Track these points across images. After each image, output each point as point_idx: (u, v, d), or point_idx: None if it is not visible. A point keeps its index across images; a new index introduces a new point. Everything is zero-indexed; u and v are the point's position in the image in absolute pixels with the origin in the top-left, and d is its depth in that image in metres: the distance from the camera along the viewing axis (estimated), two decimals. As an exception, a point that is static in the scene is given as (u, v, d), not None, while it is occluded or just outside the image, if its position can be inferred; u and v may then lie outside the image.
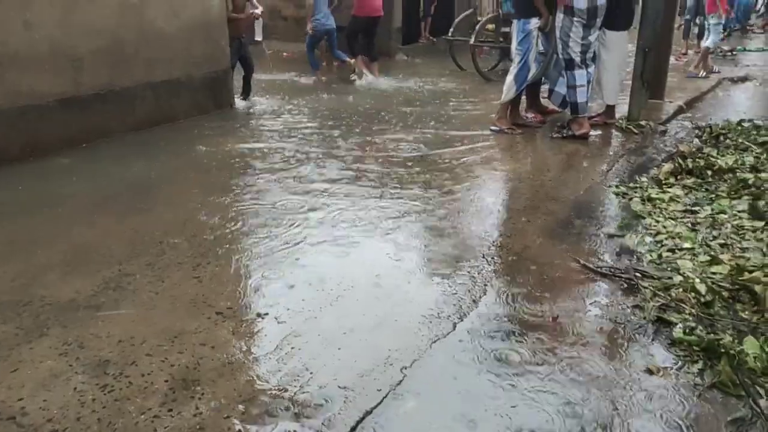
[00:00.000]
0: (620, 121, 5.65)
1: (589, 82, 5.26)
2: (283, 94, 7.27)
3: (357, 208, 3.81)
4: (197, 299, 2.72)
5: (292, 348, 2.39)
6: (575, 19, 5.03)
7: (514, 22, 5.47)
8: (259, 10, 7.25)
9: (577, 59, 5.14)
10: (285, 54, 9.96)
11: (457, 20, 9.14)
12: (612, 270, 3.03)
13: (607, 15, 5.13)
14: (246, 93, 6.90)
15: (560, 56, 5.26)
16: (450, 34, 8.90)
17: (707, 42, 8.01)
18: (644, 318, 2.62)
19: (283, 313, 2.63)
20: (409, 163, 4.69)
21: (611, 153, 4.95)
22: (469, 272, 3.03)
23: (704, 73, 7.89)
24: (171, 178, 4.33)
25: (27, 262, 3.06)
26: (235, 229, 3.50)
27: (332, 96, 7.28)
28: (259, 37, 8.09)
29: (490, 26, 8.36)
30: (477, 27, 8.11)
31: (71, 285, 2.84)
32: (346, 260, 3.15)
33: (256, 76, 7.11)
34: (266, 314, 2.62)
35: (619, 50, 5.49)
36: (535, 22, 5.20)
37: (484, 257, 3.20)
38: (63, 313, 2.62)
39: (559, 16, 5.12)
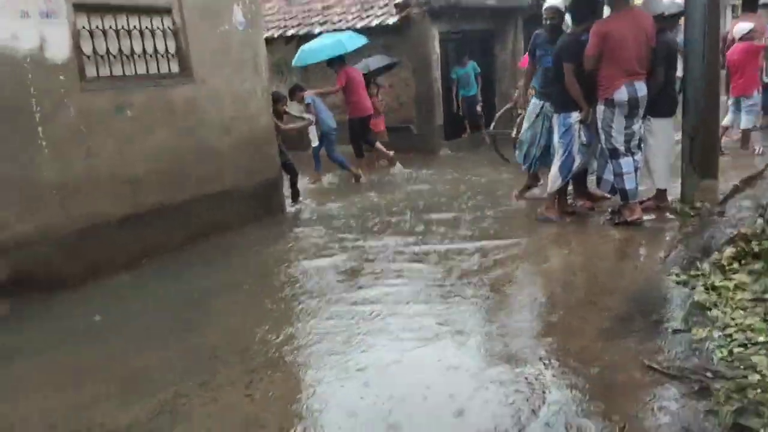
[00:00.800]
0: (674, 203, 5.51)
1: (637, 169, 5.20)
2: (329, 195, 7.48)
3: (411, 307, 3.77)
4: (249, 419, 2.69)
5: (345, 471, 2.31)
6: (616, 110, 5.06)
7: (554, 116, 5.54)
8: (311, 117, 7.62)
9: (621, 148, 5.12)
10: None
11: (498, 114, 9.33)
12: (681, 371, 2.85)
13: (651, 103, 5.15)
14: (294, 197, 7.14)
15: (604, 146, 5.25)
16: (492, 128, 9.07)
17: (744, 123, 7.82)
18: (719, 424, 2.42)
19: (334, 432, 2.57)
20: (463, 258, 4.65)
21: (668, 238, 4.79)
22: (526, 379, 2.90)
23: (759, 150, 7.66)
24: (223, 290, 4.42)
25: (86, 389, 3.12)
26: (287, 342, 3.50)
27: (377, 194, 7.40)
28: (315, 143, 8.36)
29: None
30: (518, 120, 8.24)
31: (129, 411, 2.86)
32: (400, 369, 3.08)
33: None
34: (317, 434, 2.56)
35: (665, 136, 5.46)
36: (576, 116, 5.25)
37: (540, 360, 3.07)
38: (119, 439, 2.64)
39: (600, 108, 5.15)
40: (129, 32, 5.22)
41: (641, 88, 5.04)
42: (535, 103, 6.09)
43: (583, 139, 5.32)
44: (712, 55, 5.79)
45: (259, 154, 6.41)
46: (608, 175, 5.43)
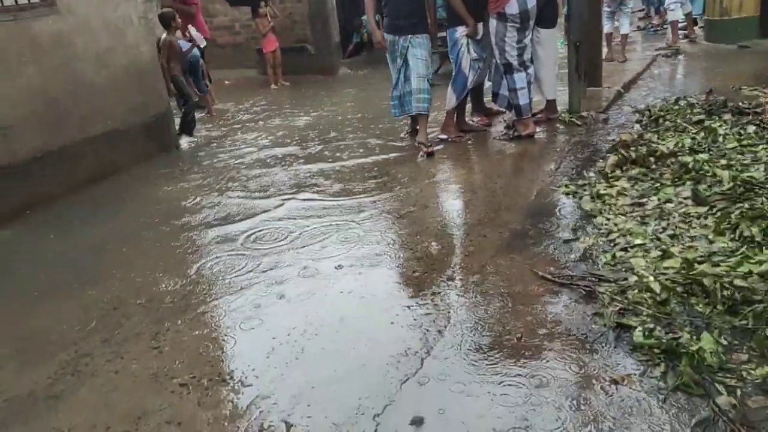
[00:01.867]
0: (563, 114, 5.75)
1: (529, 83, 5.33)
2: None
3: (316, 235, 3.79)
4: (158, 372, 2.67)
5: (261, 412, 2.36)
6: (509, 24, 5.09)
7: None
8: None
9: (515, 62, 5.21)
10: (227, 82, 9.86)
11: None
12: (570, 278, 3.07)
13: (539, 13, 5.20)
14: (188, 129, 6.78)
15: (498, 61, 5.31)
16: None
17: (624, 28, 8.14)
18: (604, 325, 2.67)
19: (248, 374, 2.60)
20: (366, 177, 4.68)
21: (558, 150, 5.03)
22: (432, 300, 3.04)
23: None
24: (118, 239, 4.21)
25: (-22, 357, 2.95)
26: (192, 289, 3.44)
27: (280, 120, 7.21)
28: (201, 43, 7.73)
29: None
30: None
31: (28, 376, 2.75)
32: (309, 304, 3.12)
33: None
34: (231, 378, 2.58)
35: (552, 46, 5.60)
36: (462, 30, 5.25)
37: (446, 282, 3.21)
38: (22, 408, 2.54)
39: (493, 23, 5.17)
40: (-27, -43, 4.59)
41: (530, 0, 5.06)
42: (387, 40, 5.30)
43: (473, 54, 5.34)
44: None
45: (143, 87, 6.00)
46: (504, 91, 5.52)
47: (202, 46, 7.61)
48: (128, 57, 5.84)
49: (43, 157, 4.98)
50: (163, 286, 3.47)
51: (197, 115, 7.12)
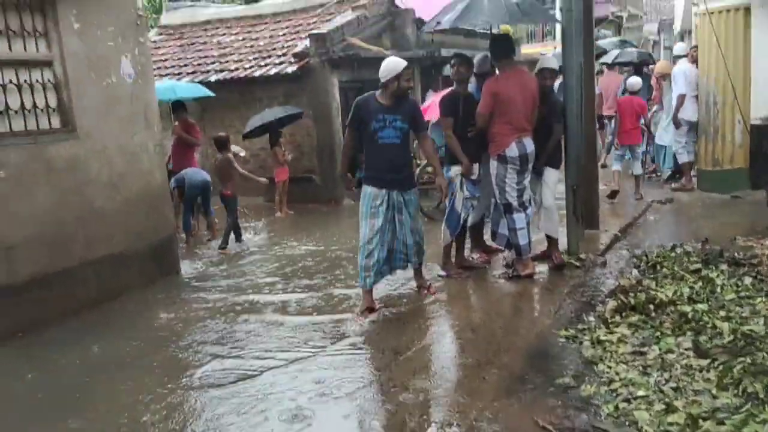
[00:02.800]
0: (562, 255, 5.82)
1: (528, 224, 5.41)
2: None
3: (314, 372, 3.69)
4: None
5: None
6: (509, 166, 5.25)
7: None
8: None
9: (515, 203, 5.32)
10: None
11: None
12: (572, 430, 2.96)
13: (549, 155, 5.57)
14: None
15: (498, 201, 5.46)
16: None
17: (637, 170, 8.55)
18: (609, 487, 2.53)
19: None
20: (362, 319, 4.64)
21: (557, 291, 5.04)
22: (426, 448, 2.91)
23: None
24: (106, 368, 4.10)
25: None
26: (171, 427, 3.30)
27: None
28: None
29: (430, 168, 8.73)
30: (418, 170, 8.48)
31: None
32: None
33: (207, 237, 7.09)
34: None
35: (555, 186, 5.76)
36: (456, 170, 5.41)
37: (442, 429, 3.09)
38: None
39: (493, 164, 5.34)
40: (4, 87, 4.89)
41: (530, 144, 5.27)
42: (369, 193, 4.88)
43: (466, 193, 5.50)
44: (588, 115, 6.29)
45: (153, 212, 6.13)
46: (503, 230, 5.62)
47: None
48: (141, 182, 6.02)
49: (45, 279, 4.99)
50: (146, 423, 3.33)
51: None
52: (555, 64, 5.64)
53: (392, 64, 4.70)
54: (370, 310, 4.77)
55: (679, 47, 10.05)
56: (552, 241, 5.74)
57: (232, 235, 7.41)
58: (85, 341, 4.57)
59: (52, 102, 5.27)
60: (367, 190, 4.83)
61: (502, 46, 5.47)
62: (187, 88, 9.07)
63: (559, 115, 5.60)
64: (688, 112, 8.73)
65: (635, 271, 5.24)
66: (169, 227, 6.37)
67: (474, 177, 5.48)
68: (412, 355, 4.00)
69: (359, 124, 4.78)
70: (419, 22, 11.39)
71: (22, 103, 5.02)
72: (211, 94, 9.38)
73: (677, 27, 15.81)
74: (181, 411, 3.45)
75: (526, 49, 17.98)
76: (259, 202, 10.07)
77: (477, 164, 5.48)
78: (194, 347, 4.36)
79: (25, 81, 5.05)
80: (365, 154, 4.91)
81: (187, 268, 6.51)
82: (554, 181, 5.68)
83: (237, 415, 3.36)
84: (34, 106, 5.11)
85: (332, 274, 5.93)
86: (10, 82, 4.93)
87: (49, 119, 5.25)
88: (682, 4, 14.16)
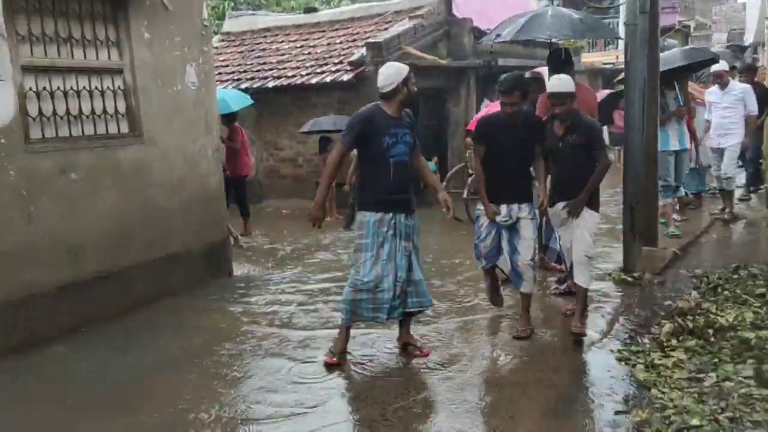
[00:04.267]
0: (615, 272, 5.67)
1: None
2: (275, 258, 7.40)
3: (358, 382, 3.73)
4: None
5: None
6: None
7: None
8: None
9: None
10: (284, 211, 10.28)
11: (449, 173, 9.54)
12: (621, 458, 2.89)
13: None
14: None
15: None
16: (443, 187, 9.21)
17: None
18: None
19: None
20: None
21: (610, 310, 4.92)
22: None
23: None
24: (158, 367, 4.24)
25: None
26: (224, 426, 3.40)
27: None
28: None
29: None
30: (469, 181, 8.44)
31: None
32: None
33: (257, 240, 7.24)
34: None
35: (593, 233, 4.73)
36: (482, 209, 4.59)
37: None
38: None
39: None
40: (78, 93, 5.15)
41: None
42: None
43: (482, 232, 4.54)
44: (650, 129, 6.12)
45: (208, 215, 6.32)
46: (554, 244, 5.53)
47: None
48: (199, 185, 6.22)
49: (107, 277, 5.21)
50: (197, 422, 3.44)
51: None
52: (567, 86, 4.38)
53: (396, 69, 4.00)
54: (340, 359, 4.09)
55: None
56: (580, 293, 4.51)
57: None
58: (141, 339, 4.75)
59: (121, 108, 5.52)
60: (369, 217, 4.01)
61: (559, 61, 5.44)
62: (236, 99, 9.11)
63: (599, 141, 4.53)
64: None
65: (695, 293, 5.05)
66: (222, 230, 6.56)
67: (501, 219, 4.38)
68: (459, 369, 3.98)
69: (363, 140, 4.00)
70: (476, 32, 11.35)
71: (93, 109, 5.28)
72: (251, 102, 9.31)
73: (748, 39, 15.15)
74: (233, 411, 3.55)
75: (587, 58, 17.61)
76: (308, 205, 10.21)
77: (506, 205, 4.37)
78: (246, 349, 4.47)
79: (97, 87, 5.30)
80: (364, 175, 4.18)
81: (238, 270, 6.67)
82: (592, 227, 4.48)
83: (286, 418, 3.43)
84: (104, 111, 5.37)
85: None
86: (84, 88, 5.19)
87: (117, 124, 5.49)
88: (755, 15, 13.56)
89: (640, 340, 4.27)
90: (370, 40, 10.30)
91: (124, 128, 5.56)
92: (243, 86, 10.58)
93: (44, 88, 4.90)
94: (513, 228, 4.39)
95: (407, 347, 4.28)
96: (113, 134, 5.45)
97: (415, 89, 4.11)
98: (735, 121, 7.78)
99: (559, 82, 4.38)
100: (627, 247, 5.76)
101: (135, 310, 5.29)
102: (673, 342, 4.14)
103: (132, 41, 5.50)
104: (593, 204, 4.45)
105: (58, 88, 5.00)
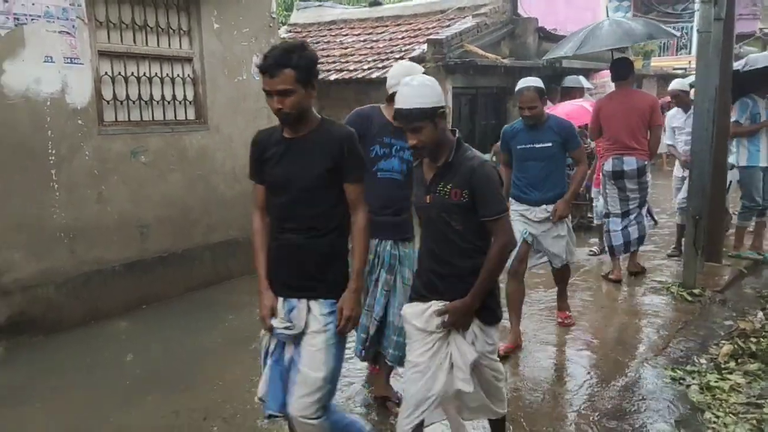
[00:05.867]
0: (674, 287, 5.51)
1: (625, 227, 5.70)
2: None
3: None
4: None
5: None
6: (606, 179, 5.75)
7: None
8: None
9: (615, 211, 5.75)
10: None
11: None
12: (669, 480, 2.82)
13: None
14: None
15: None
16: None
17: None
18: None
19: None
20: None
21: (666, 325, 4.77)
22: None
23: None
24: (216, 347, 4.41)
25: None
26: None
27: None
28: None
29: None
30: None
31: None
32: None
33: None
34: None
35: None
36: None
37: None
38: None
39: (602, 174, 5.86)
40: (150, 79, 5.35)
41: (630, 162, 5.51)
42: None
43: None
44: (720, 141, 5.90)
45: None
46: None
47: None
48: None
49: (168, 258, 5.42)
50: (249, 404, 3.54)
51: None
52: (426, 98, 2.45)
53: (405, 68, 3.30)
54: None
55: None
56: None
57: None
58: (195, 320, 4.91)
59: (189, 95, 5.70)
60: None
61: (616, 70, 5.79)
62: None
63: (490, 197, 3.19)
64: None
65: (761, 314, 4.84)
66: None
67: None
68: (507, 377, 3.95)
69: None
70: (542, 31, 11.14)
71: (163, 95, 5.47)
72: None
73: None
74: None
75: (658, 62, 17.01)
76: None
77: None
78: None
79: (167, 74, 5.50)
80: None
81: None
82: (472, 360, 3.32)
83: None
84: (174, 98, 5.56)
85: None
86: (155, 75, 5.39)
87: (185, 111, 5.69)
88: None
89: (696, 360, 4.13)
90: (431, 36, 10.27)
91: (191, 115, 5.75)
92: (305, 78, 10.69)
93: (119, 73, 5.11)
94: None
95: (385, 401, 3.47)
96: (181, 120, 5.64)
97: None
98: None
99: (407, 93, 2.46)
100: (688, 261, 5.58)
101: (195, 291, 5.48)
102: (732, 364, 3.99)
103: (202, 31, 5.67)
104: (487, 314, 2.56)
105: (132, 73, 5.20)
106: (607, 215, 5.82)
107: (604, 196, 5.89)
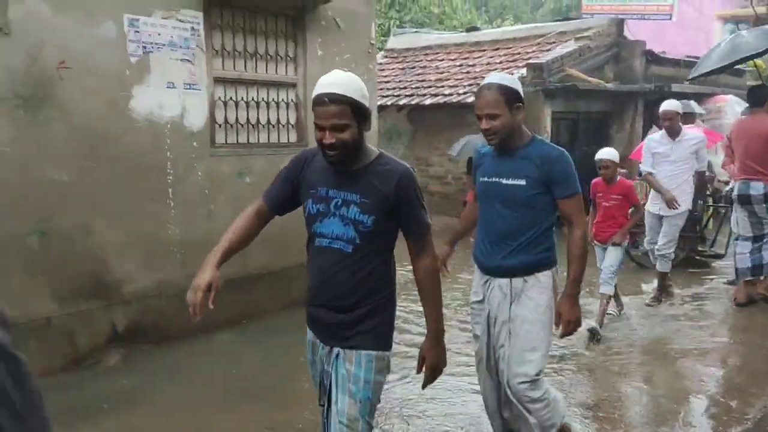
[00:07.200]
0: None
1: (753, 251, 5.66)
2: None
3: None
4: None
5: None
6: (735, 202, 5.83)
7: None
8: None
9: (745, 234, 5.77)
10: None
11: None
12: None
13: None
14: None
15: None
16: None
17: None
18: None
19: None
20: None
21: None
22: None
23: None
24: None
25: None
26: None
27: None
28: None
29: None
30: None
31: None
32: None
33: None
34: None
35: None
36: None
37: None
38: None
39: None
40: (257, 104, 5.62)
41: (756, 188, 5.51)
42: None
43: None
44: None
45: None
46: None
47: None
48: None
49: (265, 276, 5.61)
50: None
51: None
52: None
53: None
54: None
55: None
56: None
57: None
58: (297, 336, 5.00)
59: (292, 119, 5.94)
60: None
61: (753, 96, 5.92)
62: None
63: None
64: None
65: None
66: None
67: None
68: (606, 408, 3.76)
69: (293, 197, 2.53)
70: (650, 54, 10.74)
71: (269, 119, 5.73)
72: None
73: None
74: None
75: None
76: (453, 222, 10.25)
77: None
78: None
79: (273, 99, 5.76)
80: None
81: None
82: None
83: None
84: (278, 121, 5.80)
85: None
86: (263, 99, 5.66)
87: (288, 134, 5.91)
88: None
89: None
90: (531, 60, 10.15)
91: (293, 138, 5.97)
92: (401, 102, 10.91)
93: (230, 98, 5.41)
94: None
95: None
96: (283, 143, 5.87)
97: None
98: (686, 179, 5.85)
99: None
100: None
101: (292, 308, 5.62)
102: None
103: (307, 58, 5.90)
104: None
105: (242, 98, 5.49)
106: (737, 237, 5.89)
107: (735, 219, 5.92)
